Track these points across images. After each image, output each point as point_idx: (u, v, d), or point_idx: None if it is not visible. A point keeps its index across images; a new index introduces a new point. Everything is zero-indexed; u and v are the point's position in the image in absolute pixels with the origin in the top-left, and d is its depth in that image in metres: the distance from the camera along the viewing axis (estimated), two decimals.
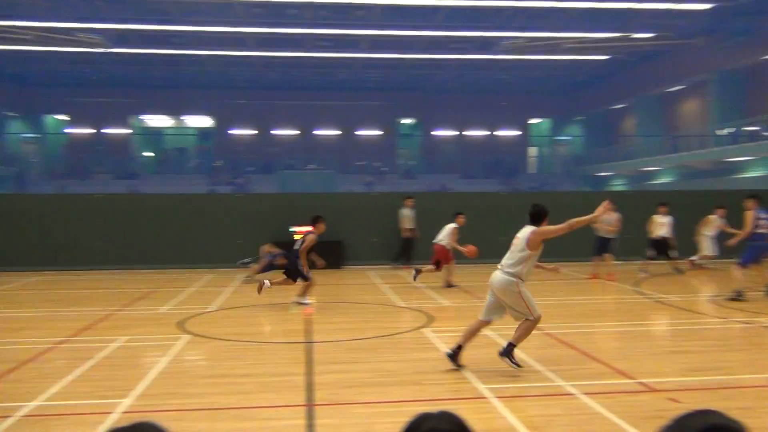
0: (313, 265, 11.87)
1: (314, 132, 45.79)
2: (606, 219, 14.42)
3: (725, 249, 13.80)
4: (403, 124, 47.57)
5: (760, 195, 11.93)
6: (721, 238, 15.42)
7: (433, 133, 46.86)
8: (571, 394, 6.06)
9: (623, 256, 16.14)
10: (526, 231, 6.90)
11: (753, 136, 29.21)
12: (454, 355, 6.98)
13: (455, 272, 13.89)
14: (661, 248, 15.45)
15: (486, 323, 7.17)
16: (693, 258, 16.37)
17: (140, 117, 46.22)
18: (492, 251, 15.32)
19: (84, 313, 10.94)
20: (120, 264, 17.39)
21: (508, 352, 6.84)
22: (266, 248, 15.00)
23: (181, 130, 47.26)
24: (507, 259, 6.93)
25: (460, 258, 13.76)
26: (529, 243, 6.79)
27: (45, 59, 35.72)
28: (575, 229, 6.71)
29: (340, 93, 43.58)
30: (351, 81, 42.05)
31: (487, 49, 33.97)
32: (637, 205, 16.74)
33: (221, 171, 41.05)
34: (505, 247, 6.95)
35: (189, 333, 9.11)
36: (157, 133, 47.00)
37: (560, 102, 46.52)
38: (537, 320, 6.90)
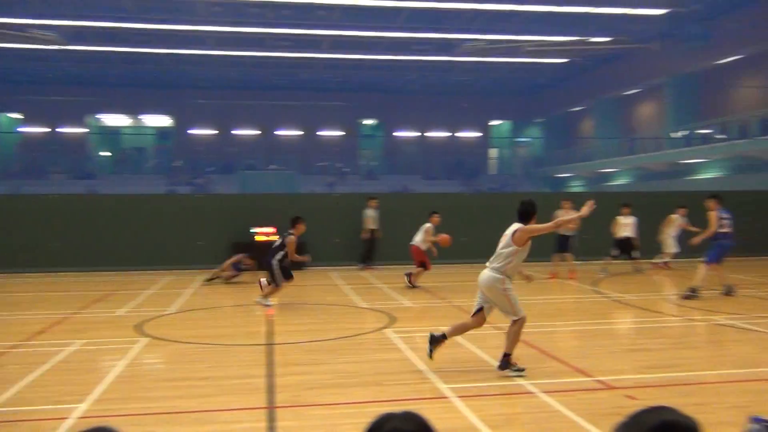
0: (300, 266, 11.74)
1: (275, 132, 45.54)
2: (566, 218, 14.66)
3: (688, 248, 14.16)
4: (365, 125, 47.63)
5: (720, 195, 12.26)
6: (684, 236, 15.85)
7: (395, 134, 47.03)
8: (531, 393, 6.14)
9: (582, 256, 16.41)
10: (513, 228, 6.88)
11: (706, 139, 30.04)
12: (436, 341, 6.97)
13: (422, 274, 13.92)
14: (625, 248, 15.78)
15: (469, 324, 7.10)
16: (656, 261, 16.73)
17: (97, 116, 45.35)
18: (454, 252, 15.49)
19: (39, 316, 10.68)
20: (77, 266, 17.00)
21: (505, 364, 6.72)
22: (236, 258, 15.00)
23: (140, 130, 46.50)
24: (495, 258, 6.89)
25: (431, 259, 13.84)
26: (516, 239, 6.75)
27: None
28: (562, 227, 6.75)
29: (302, 93, 43.43)
30: (313, 81, 41.94)
31: (448, 51, 34.23)
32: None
33: (181, 171, 40.52)
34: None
35: (148, 336, 8.96)
36: (114, 132, 46.18)
37: (520, 104, 47.13)
38: (522, 322, 6.78)
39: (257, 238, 17.48)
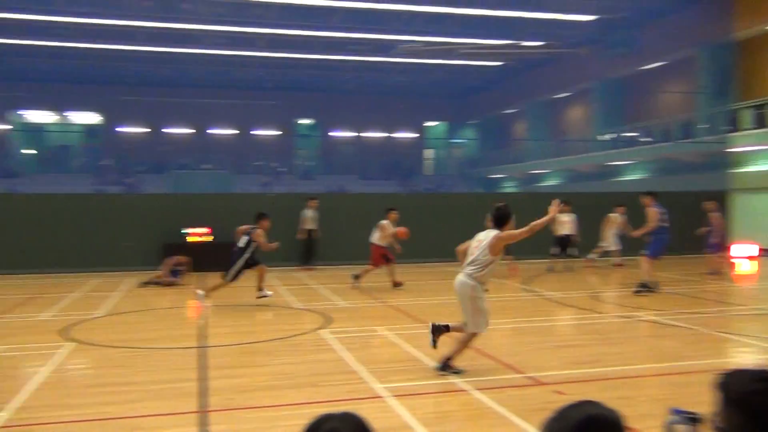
0: (257, 262, 11.62)
1: (209, 131, 44.70)
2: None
3: (630, 245, 14.68)
4: (301, 124, 47.31)
5: (656, 192, 12.76)
6: (623, 234, 16.54)
7: (331, 134, 46.88)
8: (465, 390, 6.23)
9: (520, 254, 16.76)
10: (489, 235, 6.76)
11: (632, 142, 31.18)
12: (438, 331, 7.02)
13: (370, 274, 13.87)
14: (565, 245, 16.26)
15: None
16: (591, 257, 17.23)
17: (20, 112, 43.42)
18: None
19: None
20: None
21: (444, 367, 6.73)
22: (171, 263, 14.68)
23: (66, 127, 44.81)
24: (470, 264, 6.79)
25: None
26: (492, 248, 6.66)
27: None
28: (536, 232, 6.77)
29: (237, 92, 42.75)
30: (248, 80, 41.36)
31: (384, 52, 34.35)
32: (526, 207, 17.44)
33: (109, 170, 39.31)
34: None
35: (73, 340, 8.65)
36: (38, 129, 44.33)
37: (455, 106, 47.75)
38: (473, 336, 6.81)
39: (189, 239, 17.14)
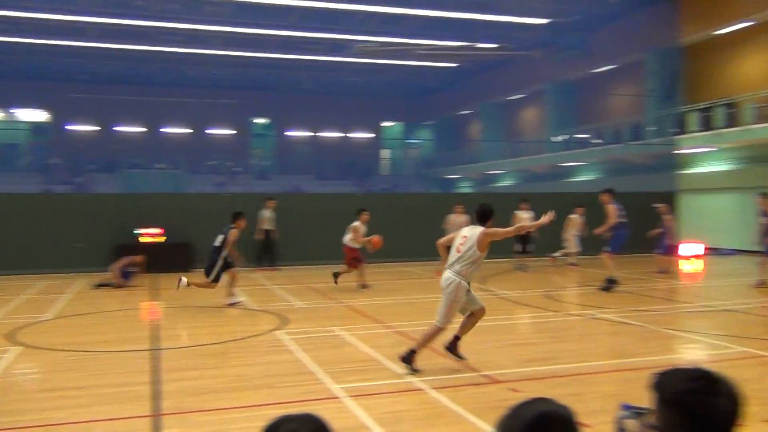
0: (231, 265, 11.42)
1: (162, 129, 43.91)
2: (458, 221, 15.14)
3: (589, 246, 14.93)
4: (257, 123, 46.87)
5: (613, 189, 13.06)
6: (582, 235, 16.94)
7: (286, 133, 46.56)
8: (421, 390, 6.26)
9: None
10: (475, 231, 6.79)
11: (583, 143, 31.79)
12: (453, 348, 7.02)
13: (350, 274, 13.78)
14: (525, 243, 16.54)
15: (473, 318, 7.14)
16: (555, 255, 17.51)
17: None
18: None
19: None
20: None
21: (408, 359, 6.77)
22: (122, 263, 14.36)
23: (12, 125, 43.44)
24: (457, 261, 6.78)
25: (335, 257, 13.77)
26: (479, 244, 6.69)
27: None
28: (522, 233, 6.84)
29: (191, 90, 42.07)
30: (202, 78, 40.76)
31: (340, 52, 34.28)
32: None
33: (58, 169, 38.25)
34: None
35: (20, 344, 8.40)
36: None
37: (411, 106, 47.94)
38: (439, 331, 6.88)
39: (142, 239, 16.83)
